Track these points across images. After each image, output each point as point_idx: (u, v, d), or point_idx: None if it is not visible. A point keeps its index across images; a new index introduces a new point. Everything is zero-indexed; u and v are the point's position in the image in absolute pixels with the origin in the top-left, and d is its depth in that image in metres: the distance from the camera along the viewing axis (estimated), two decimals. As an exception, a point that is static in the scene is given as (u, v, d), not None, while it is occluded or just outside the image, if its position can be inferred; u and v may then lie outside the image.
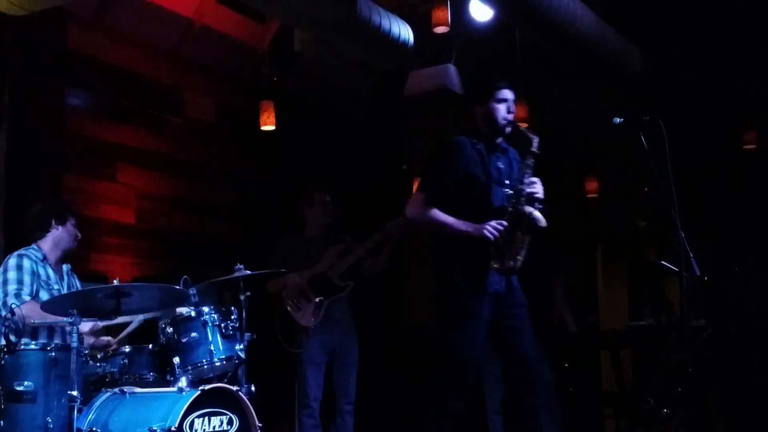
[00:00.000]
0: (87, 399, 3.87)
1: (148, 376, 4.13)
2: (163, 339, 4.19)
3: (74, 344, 3.70)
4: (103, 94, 6.32)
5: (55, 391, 3.73)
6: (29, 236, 4.54)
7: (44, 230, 4.50)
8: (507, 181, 4.06)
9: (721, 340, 5.78)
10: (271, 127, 6.83)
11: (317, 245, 5.54)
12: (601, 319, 8.40)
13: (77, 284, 4.66)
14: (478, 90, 4.13)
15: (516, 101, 4.12)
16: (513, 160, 4.17)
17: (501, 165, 4.09)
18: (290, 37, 7.35)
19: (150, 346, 4.20)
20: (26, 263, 4.36)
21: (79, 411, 3.72)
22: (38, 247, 4.48)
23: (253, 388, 4.18)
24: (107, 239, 6.22)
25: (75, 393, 3.66)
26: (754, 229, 6.95)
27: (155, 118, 6.70)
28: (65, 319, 3.78)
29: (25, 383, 3.71)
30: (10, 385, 3.70)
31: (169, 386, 4.06)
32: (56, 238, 4.52)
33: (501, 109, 4.03)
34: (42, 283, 4.38)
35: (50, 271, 4.45)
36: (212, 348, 4.15)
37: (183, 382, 3.97)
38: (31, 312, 4.12)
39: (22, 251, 4.43)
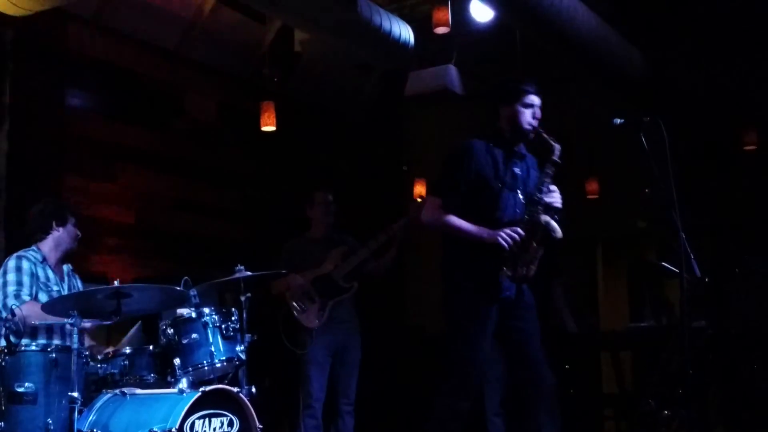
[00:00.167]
0: (87, 400, 3.87)
1: (149, 378, 4.13)
2: (163, 340, 4.18)
3: (75, 345, 3.70)
4: (103, 94, 6.32)
5: (56, 392, 3.73)
6: (29, 237, 4.53)
7: (45, 232, 4.49)
8: (521, 188, 4.03)
9: (721, 342, 5.78)
10: (271, 128, 6.83)
11: (321, 247, 5.54)
12: (601, 320, 8.40)
13: (79, 284, 4.66)
14: (505, 90, 4.08)
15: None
16: (530, 167, 4.13)
17: (518, 171, 4.06)
18: (291, 38, 7.36)
19: (150, 347, 4.20)
20: (25, 265, 4.35)
21: (80, 412, 3.71)
22: (38, 248, 4.47)
23: (253, 390, 4.17)
24: (107, 239, 6.22)
25: (75, 394, 3.66)
26: (754, 230, 6.95)
27: (155, 118, 6.70)
28: (66, 320, 3.78)
29: (26, 384, 3.71)
30: (11, 386, 3.70)
31: (169, 387, 4.05)
32: (57, 239, 4.51)
33: (526, 114, 4.00)
34: (41, 285, 4.36)
35: (50, 273, 4.44)
36: (213, 349, 4.14)
37: (183, 383, 3.96)
38: (31, 312, 4.11)
39: (21, 253, 4.42)
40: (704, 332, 5.62)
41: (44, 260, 4.44)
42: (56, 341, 4.27)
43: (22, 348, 3.80)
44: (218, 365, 4.16)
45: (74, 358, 3.68)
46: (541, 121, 4.02)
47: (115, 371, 4.07)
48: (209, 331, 4.17)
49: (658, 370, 5.61)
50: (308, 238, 5.63)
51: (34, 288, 4.33)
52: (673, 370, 5.44)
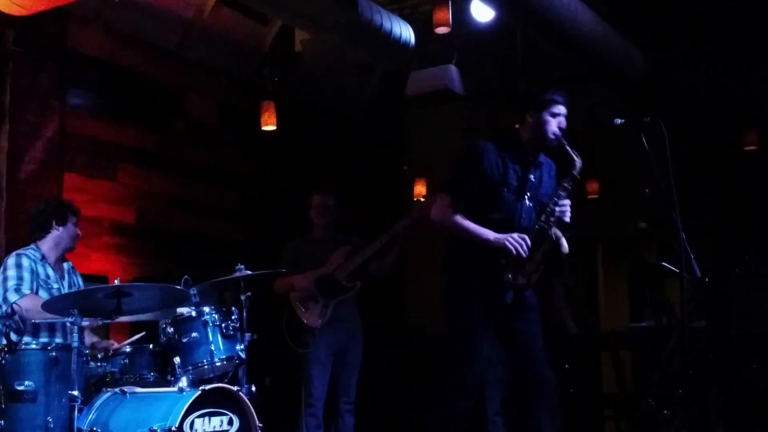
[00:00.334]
0: (87, 399, 3.87)
1: (149, 376, 4.13)
2: (163, 339, 4.19)
3: (75, 344, 3.70)
4: (103, 94, 6.32)
5: (56, 390, 3.73)
6: (29, 236, 4.55)
7: (45, 231, 4.51)
8: (530, 194, 4.02)
9: (721, 342, 5.78)
10: (272, 128, 6.83)
11: (324, 247, 5.54)
12: (601, 320, 8.40)
13: (79, 282, 4.67)
14: (533, 97, 4.07)
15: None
16: (545, 174, 4.12)
17: (532, 177, 4.04)
18: (291, 38, 7.36)
19: (151, 346, 4.20)
20: (25, 262, 4.37)
21: (80, 411, 3.72)
22: (37, 246, 4.49)
23: (253, 388, 4.18)
24: (107, 239, 6.22)
25: (75, 393, 3.66)
26: (755, 230, 6.95)
27: (156, 118, 6.70)
28: (66, 319, 3.78)
29: (26, 383, 3.71)
30: (11, 385, 3.70)
31: (169, 386, 4.06)
32: (56, 238, 4.52)
33: (552, 123, 3.98)
34: (41, 282, 4.38)
35: (49, 270, 4.46)
36: (213, 348, 4.14)
37: (183, 382, 3.97)
38: (31, 305, 4.12)
39: (20, 251, 4.44)
40: (704, 332, 5.62)
41: (43, 258, 4.46)
42: (58, 339, 4.28)
43: (22, 346, 3.81)
44: (218, 364, 4.17)
45: (74, 357, 3.68)
46: (564, 131, 4.00)
47: (115, 370, 4.08)
48: (209, 330, 4.17)
49: (658, 371, 5.61)
50: (311, 238, 5.63)
51: (35, 284, 4.34)
52: (673, 371, 5.45)
